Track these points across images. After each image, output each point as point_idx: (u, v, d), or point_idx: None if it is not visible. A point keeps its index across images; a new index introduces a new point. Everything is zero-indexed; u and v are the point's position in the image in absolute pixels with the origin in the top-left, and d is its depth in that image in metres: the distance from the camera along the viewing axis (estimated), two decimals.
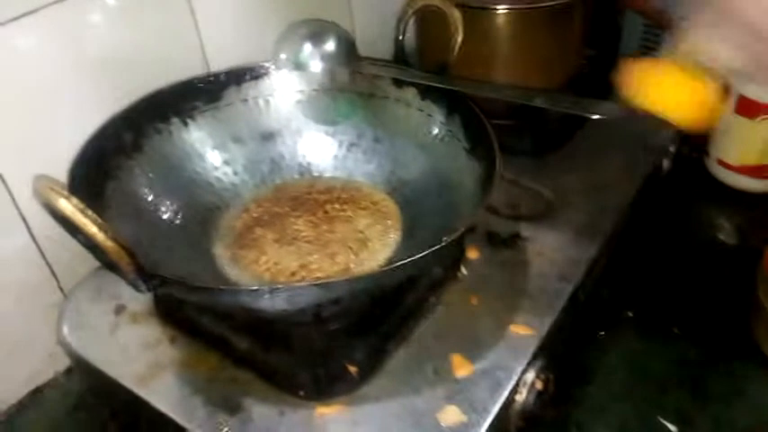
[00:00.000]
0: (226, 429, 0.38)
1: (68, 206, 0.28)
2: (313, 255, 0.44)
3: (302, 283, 0.34)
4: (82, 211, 0.28)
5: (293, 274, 0.43)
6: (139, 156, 0.45)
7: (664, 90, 0.34)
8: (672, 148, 0.61)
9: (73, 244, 0.44)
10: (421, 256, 0.34)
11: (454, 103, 0.47)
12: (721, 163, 0.67)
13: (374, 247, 0.45)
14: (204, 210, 0.47)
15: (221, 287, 0.38)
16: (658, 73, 0.34)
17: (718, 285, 0.57)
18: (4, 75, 0.43)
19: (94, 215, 0.29)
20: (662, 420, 0.47)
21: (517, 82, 0.53)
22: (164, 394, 0.40)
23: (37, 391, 0.52)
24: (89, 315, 0.46)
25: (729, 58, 0.32)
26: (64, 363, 0.53)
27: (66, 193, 0.29)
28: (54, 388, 0.53)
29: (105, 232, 0.29)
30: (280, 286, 0.33)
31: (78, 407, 0.51)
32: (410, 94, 0.50)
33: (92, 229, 0.28)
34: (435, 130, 0.49)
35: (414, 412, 0.38)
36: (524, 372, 0.41)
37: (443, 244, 0.35)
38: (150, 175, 0.45)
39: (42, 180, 0.29)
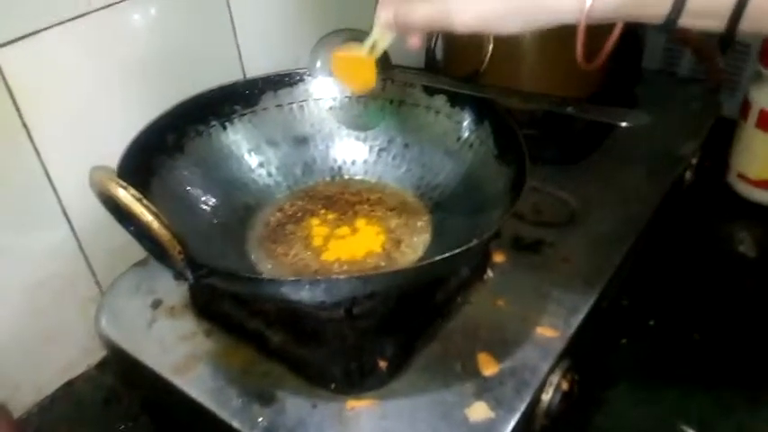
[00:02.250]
0: (261, 419, 0.39)
1: (127, 195, 0.30)
2: (345, 252, 0.46)
3: (341, 276, 0.35)
4: (139, 201, 0.30)
5: (327, 269, 0.44)
6: (181, 156, 0.47)
7: (340, 64, 0.45)
8: (694, 161, 0.62)
9: (111, 239, 0.45)
10: (455, 254, 0.35)
11: (483, 110, 0.49)
12: (741, 177, 0.67)
13: (405, 247, 0.47)
14: (240, 208, 0.49)
15: (266, 277, 0.39)
16: (341, 52, 0.45)
17: (739, 295, 0.58)
18: (54, 77, 0.45)
19: (150, 205, 0.31)
20: (684, 428, 0.48)
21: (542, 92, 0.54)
22: (199, 384, 0.42)
23: (70, 384, 0.54)
24: (127, 308, 0.48)
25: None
26: (96, 356, 0.55)
27: (124, 183, 0.30)
28: (86, 381, 0.54)
29: (161, 221, 0.31)
30: (320, 278, 0.34)
31: (110, 399, 0.52)
32: (440, 101, 0.51)
33: (148, 217, 0.30)
34: (464, 137, 0.50)
35: (442, 407, 0.39)
36: (550, 372, 0.42)
37: (478, 242, 0.36)
38: (190, 174, 0.47)
39: (100, 171, 0.31)
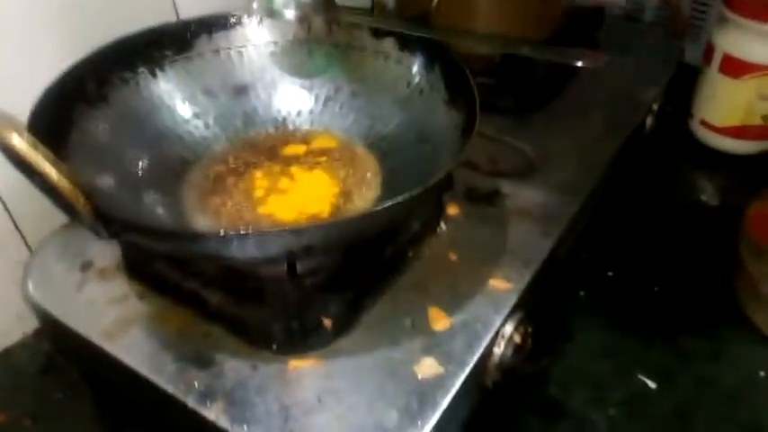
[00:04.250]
0: (197, 383, 0.37)
1: (21, 142, 0.27)
2: (290, 205, 0.43)
3: (272, 229, 0.32)
4: (34, 148, 0.27)
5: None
6: (104, 106, 0.43)
7: None
8: (655, 107, 0.61)
9: (40, 200, 0.42)
10: (396, 203, 0.33)
11: (434, 54, 0.46)
12: (704, 124, 0.66)
13: (353, 199, 0.44)
14: (174, 163, 0.46)
15: (185, 231, 0.36)
16: None
17: (700, 246, 0.57)
18: None
19: (49, 152, 0.27)
20: (642, 378, 0.47)
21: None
22: (132, 350, 0.39)
23: (5, 353, 0.51)
24: (55, 271, 0.44)
25: None
26: (32, 324, 0.52)
27: (19, 128, 0.27)
28: (23, 349, 0.51)
29: (60, 171, 0.27)
30: (249, 231, 0.31)
31: (48, 368, 0.50)
32: (389, 45, 0.48)
33: (44, 166, 0.27)
34: (414, 83, 0.47)
35: (390, 364, 0.37)
36: (503, 325, 0.40)
37: (421, 190, 0.34)
38: (117, 126, 0.43)
39: None
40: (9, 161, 0.30)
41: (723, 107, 0.64)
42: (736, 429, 0.44)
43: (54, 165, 0.27)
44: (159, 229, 0.32)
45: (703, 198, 0.63)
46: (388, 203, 0.33)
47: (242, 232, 0.32)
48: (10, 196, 0.48)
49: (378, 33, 0.49)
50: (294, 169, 0.47)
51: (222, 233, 0.31)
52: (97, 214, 0.29)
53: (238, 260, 0.35)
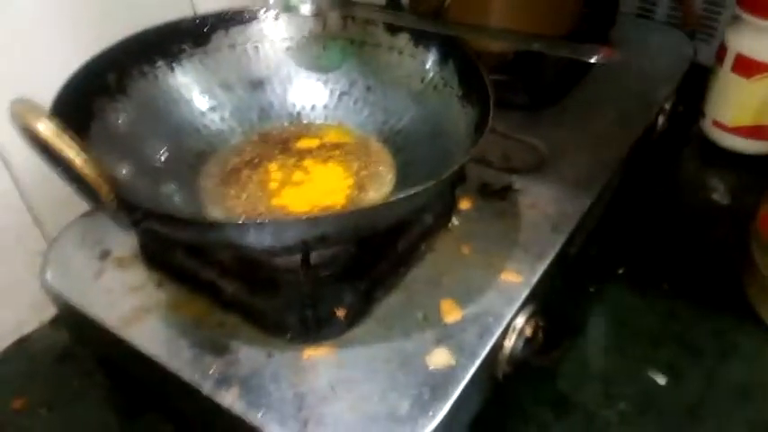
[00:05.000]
0: (212, 370, 0.37)
1: (47, 128, 0.27)
2: (305, 198, 0.44)
3: (289, 217, 0.33)
4: (60, 135, 0.27)
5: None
6: (124, 98, 0.44)
7: None
8: (667, 106, 0.61)
9: (58, 190, 0.43)
10: (410, 196, 0.33)
11: (448, 49, 0.46)
12: (716, 123, 0.66)
13: (367, 192, 0.45)
14: (191, 155, 0.46)
15: (205, 220, 0.37)
16: None
17: (711, 244, 0.57)
18: None
19: (73, 140, 0.28)
20: (652, 373, 0.47)
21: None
22: (149, 337, 0.40)
23: (22, 341, 0.52)
24: (73, 260, 0.45)
25: None
26: (49, 313, 0.53)
27: (45, 115, 0.28)
28: (39, 338, 0.52)
29: (85, 158, 0.28)
30: (266, 220, 0.32)
31: (64, 357, 0.51)
32: (403, 40, 0.49)
33: (70, 153, 0.27)
34: (428, 78, 0.48)
35: (401, 355, 0.38)
36: (514, 318, 0.40)
37: (434, 183, 0.34)
38: (135, 117, 0.44)
39: (20, 103, 0.28)
40: (33, 148, 0.31)
41: (735, 107, 0.64)
42: (747, 426, 0.44)
43: (79, 152, 0.28)
44: (180, 217, 0.32)
45: (714, 197, 0.63)
46: (403, 195, 0.33)
47: (259, 221, 0.32)
48: (27, 187, 0.49)
49: (392, 29, 0.49)
50: (308, 162, 0.47)
51: (241, 221, 0.31)
52: (120, 203, 0.30)
53: (254, 249, 0.36)
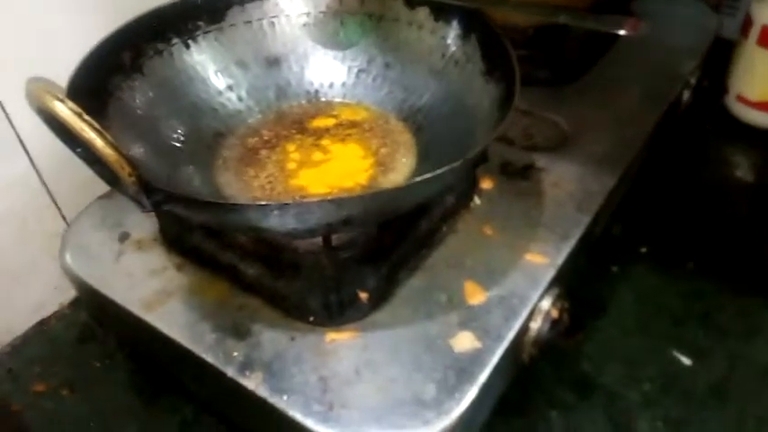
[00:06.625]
0: (236, 353, 0.37)
1: (65, 109, 0.27)
2: (325, 178, 0.43)
3: (313, 199, 0.32)
4: (79, 115, 0.27)
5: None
6: (140, 77, 0.43)
7: None
8: (692, 81, 0.59)
9: (75, 171, 0.42)
10: (435, 176, 0.33)
11: (470, 23, 0.45)
12: (740, 98, 0.64)
13: (388, 172, 0.44)
14: (208, 135, 0.45)
15: (227, 202, 0.36)
16: None
17: (734, 222, 0.56)
18: None
19: (93, 121, 0.27)
20: (676, 354, 0.47)
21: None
22: (171, 320, 0.39)
23: (42, 323, 0.52)
24: (92, 242, 0.45)
25: None
26: (69, 295, 0.53)
27: (62, 95, 0.27)
28: (60, 319, 0.52)
29: (105, 139, 0.27)
30: (290, 201, 0.31)
31: (84, 338, 0.51)
32: (422, 14, 0.47)
33: (90, 134, 0.27)
34: (449, 53, 0.46)
35: (426, 338, 0.37)
36: (540, 300, 0.40)
37: (459, 163, 0.33)
38: (152, 96, 0.43)
39: (37, 82, 0.27)
40: (51, 129, 0.30)
41: (761, 81, 0.62)
42: None
43: (98, 133, 0.27)
44: (201, 199, 0.32)
45: (738, 174, 0.62)
46: (430, 175, 0.32)
47: (284, 203, 0.32)
48: (45, 168, 0.48)
49: (411, 3, 0.47)
50: (326, 141, 0.47)
51: (264, 203, 0.30)
52: (141, 185, 0.29)
53: (276, 232, 0.35)
